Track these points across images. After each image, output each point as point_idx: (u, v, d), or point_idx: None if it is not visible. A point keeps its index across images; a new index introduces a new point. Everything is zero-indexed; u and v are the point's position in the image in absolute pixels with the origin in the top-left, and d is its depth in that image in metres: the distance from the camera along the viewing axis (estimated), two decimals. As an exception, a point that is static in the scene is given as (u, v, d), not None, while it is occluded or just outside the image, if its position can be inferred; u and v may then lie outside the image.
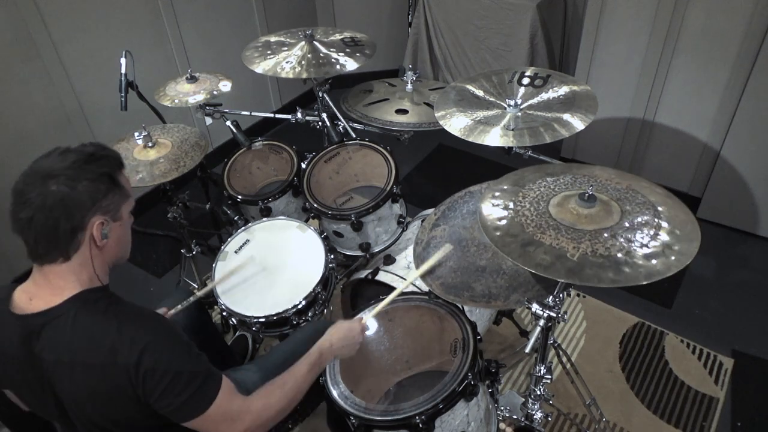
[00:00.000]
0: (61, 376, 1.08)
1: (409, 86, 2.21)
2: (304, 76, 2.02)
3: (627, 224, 1.15)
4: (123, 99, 2.00)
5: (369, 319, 1.48)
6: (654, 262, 1.06)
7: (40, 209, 1.02)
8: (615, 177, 1.30)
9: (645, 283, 1.03)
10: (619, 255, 1.08)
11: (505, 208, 1.24)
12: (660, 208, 1.18)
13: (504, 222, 1.20)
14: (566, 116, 1.61)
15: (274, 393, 1.23)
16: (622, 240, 1.11)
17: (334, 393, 1.34)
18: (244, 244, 1.88)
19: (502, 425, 1.72)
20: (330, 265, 1.81)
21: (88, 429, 1.17)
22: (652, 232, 1.12)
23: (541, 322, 1.36)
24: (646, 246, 1.09)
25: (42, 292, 1.08)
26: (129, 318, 1.08)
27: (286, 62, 2.07)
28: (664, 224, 1.14)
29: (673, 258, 1.06)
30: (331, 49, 2.13)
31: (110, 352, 1.04)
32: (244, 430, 1.16)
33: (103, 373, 1.05)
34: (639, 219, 1.16)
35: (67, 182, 1.03)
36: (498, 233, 1.17)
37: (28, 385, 1.15)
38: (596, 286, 1.04)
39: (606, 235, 1.13)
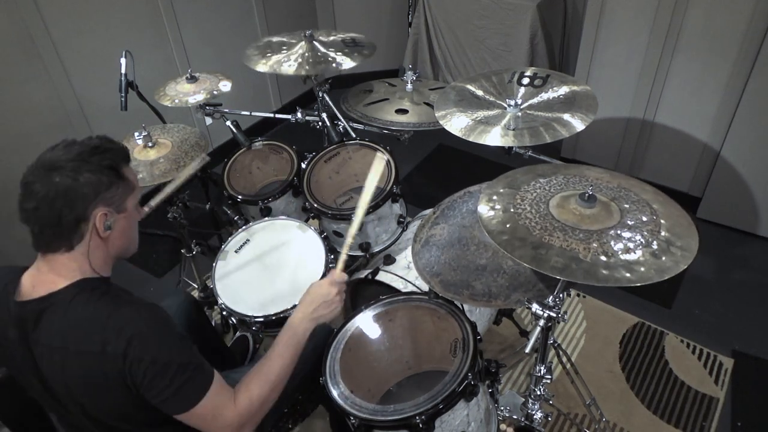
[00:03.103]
0: (53, 362, 1.09)
1: (409, 86, 2.21)
2: (303, 73, 2.02)
3: (630, 222, 1.14)
4: (123, 99, 2.00)
5: (340, 271, 1.37)
6: (663, 258, 1.06)
7: (43, 200, 1.04)
8: (605, 176, 1.30)
9: (659, 280, 1.03)
10: (630, 254, 1.08)
11: (505, 211, 1.23)
12: (654, 206, 1.19)
13: (508, 225, 1.19)
14: (566, 116, 1.61)
15: (253, 384, 1.20)
16: (627, 239, 1.11)
17: (334, 393, 1.34)
18: (244, 243, 1.88)
19: (502, 425, 1.72)
20: (330, 265, 1.81)
21: (82, 418, 1.17)
22: (654, 229, 1.12)
23: (541, 322, 1.36)
24: (651, 244, 1.09)
25: (44, 279, 1.10)
26: (122, 307, 1.08)
27: (285, 61, 2.08)
28: (663, 221, 1.14)
29: (678, 253, 1.07)
30: (330, 49, 2.13)
31: (100, 341, 1.04)
32: (231, 426, 1.14)
33: (93, 361, 1.05)
34: (639, 216, 1.16)
35: (70, 174, 1.05)
36: (505, 237, 1.16)
37: (23, 371, 1.15)
38: (614, 286, 1.03)
39: (612, 233, 1.13)
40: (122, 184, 1.13)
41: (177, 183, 1.63)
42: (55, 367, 1.09)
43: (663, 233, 1.11)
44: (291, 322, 1.32)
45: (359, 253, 1.96)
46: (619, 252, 1.09)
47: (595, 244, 1.10)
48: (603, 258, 1.08)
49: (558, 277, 1.07)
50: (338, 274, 1.37)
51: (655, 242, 1.10)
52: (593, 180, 1.29)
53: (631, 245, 1.10)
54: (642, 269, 1.05)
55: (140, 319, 1.07)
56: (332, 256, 1.83)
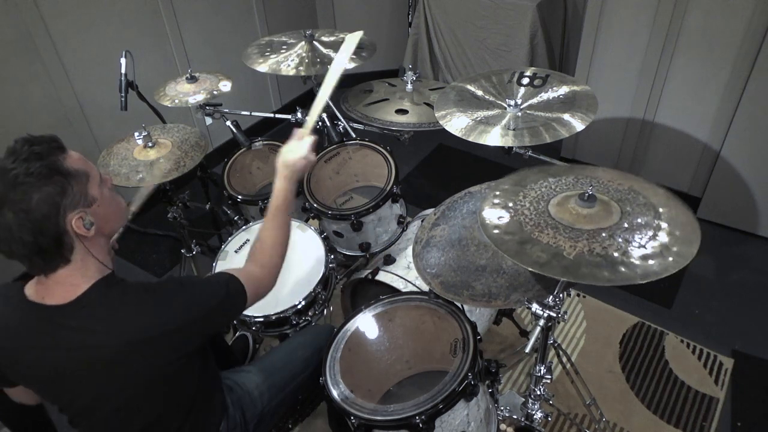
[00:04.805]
0: (101, 362, 1.08)
1: (409, 86, 2.21)
2: (303, 73, 2.03)
3: (626, 225, 1.15)
4: (123, 99, 2.00)
5: (306, 131, 1.47)
6: (651, 262, 1.06)
7: (11, 241, 1.00)
8: (617, 178, 1.30)
9: (641, 282, 1.03)
10: (616, 254, 1.08)
11: (504, 207, 1.24)
12: (661, 210, 1.18)
13: (504, 221, 1.20)
14: (566, 116, 1.61)
15: (265, 253, 1.36)
16: (620, 240, 1.11)
17: (334, 393, 1.34)
18: (245, 243, 1.89)
19: (502, 425, 1.72)
20: (330, 265, 1.81)
21: (115, 416, 1.17)
22: (651, 233, 1.12)
23: (541, 322, 1.36)
24: (644, 246, 1.09)
25: (54, 291, 1.08)
26: (156, 290, 1.13)
27: (284, 62, 2.09)
28: (664, 225, 1.14)
29: (670, 259, 1.06)
30: (330, 49, 2.13)
31: (158, 323, 1.08)
32: (259, 288, 1.30)
33: (155, 343, 1.08)
34: (639, 220, 1.16)
35: (19, 205, 0.98)
36: (496, 231, 1.18)
37: (47, 377, 1.14)
38: (591, 284, 1.04)
39: (604, 234, 1.13)
40: (74, 181, 1.04)
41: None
42: (106, 367, 1.08)
43: (661, 237, 1.11)
44: (275, 190, 1.40)
45: (359, 253, 1.96)
46: (606, 252, 1.09)
47: (582, 243, 1.11)
48: (587, 257, 1.08)
49: (535, 271, 1.08)
50: (305, 132, 1.47)
51: (648, 245, 1.10)
52: (605, 182, 1.28)
53: (621, 247, 1.10)
54: (625, 270, 1.05)
55: (178, 292, 1.15)
56: (332, 257, 1.84)
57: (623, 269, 1.05)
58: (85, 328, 1.06)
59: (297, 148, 1.42)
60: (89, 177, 1.08)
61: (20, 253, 1.02)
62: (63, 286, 1.08)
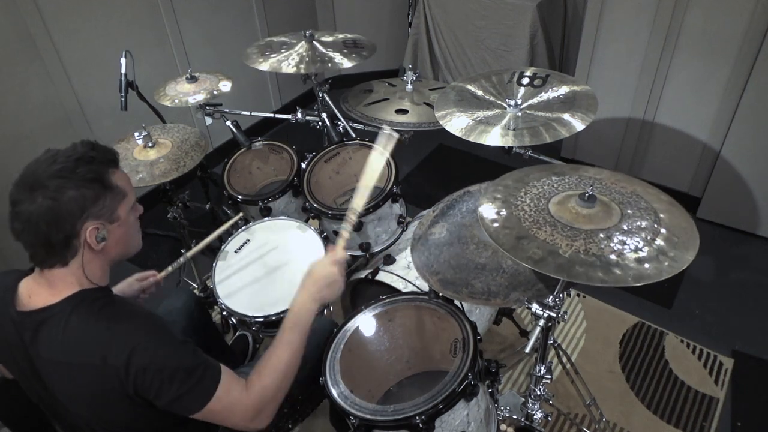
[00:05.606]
0: (55, 374, 1.09)
1: (409, 86, 2.21)
2: (302, 71, 2.03)
3: (625, 227, 1.15)
4: (123, 99, 2.00)
5: (341, 249, 1.36)
6: (646, 266, 1.06)
7: (28, 222, 1.02)
8: (621, 180, 1.30)
9: (633, 285, 1.03)
10: (611, 256, 1.08)
11: (504, 201, 1.24)
12: (662, 215, 1.18)
13: (502, 212, 1.20)
14: (566, 116, 1.61)
15: (264, 374, 1.19)
16: (616, 242, 1.11)
17: (334, 393, 1.34)
18: (245, 243, 1.89)
19: (502, 425, 1.72)
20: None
21: (86, 429, 1.17)
22: (648, 237, 1.12)
23: (541, 322, 1.36)
24: (640, 250, 1.09)
25: (41, 291, 1.10)
26: (120, 319, 1.09)
27: (284, 60, 2.09)
28: (663, 230, 1.14)
29: (666, 264, 1.06)
30: (329, 49, 2.13)
31: (100, 354, 1.04)
32: (252, 418, 1.16)
33: (94, 373, 1.05)
34: (638, 223, 1.16)
35: (52, 194, 1.02)
36: (495, 225, 1.18)
37: (26, 380, 1.16)
38: (585, 284, 1.04)
39: (601, 235, 1.13)
40: (110, 195, 1.09)
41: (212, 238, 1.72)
42: (59, 379, 1.09)
43: (658, 242, 1.11)
44: (295, 306, 1.30)
45: (359, 253, 1.96)
46: (602, 253, 1.09)
47: (579, 242, 1.11)
48: (582, 256, 1.08)
49: (530, 268, 1.08)
50: (340, 252, 1.36)
51: (645, 249, 1.10)
52: (609, 184, 1.28)
53: (617, 248, 1.10)
54: (618, 272, 1.05)
55: (140, 330, 1.08)
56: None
57: (617, 271, 1.05)
58: (38, 336, 1.07)
59: (329, 272, 1.31)
60: (125, 198, 1.13)
61: (29, 239, 1.04)
62: (50, 287, 1.09)
